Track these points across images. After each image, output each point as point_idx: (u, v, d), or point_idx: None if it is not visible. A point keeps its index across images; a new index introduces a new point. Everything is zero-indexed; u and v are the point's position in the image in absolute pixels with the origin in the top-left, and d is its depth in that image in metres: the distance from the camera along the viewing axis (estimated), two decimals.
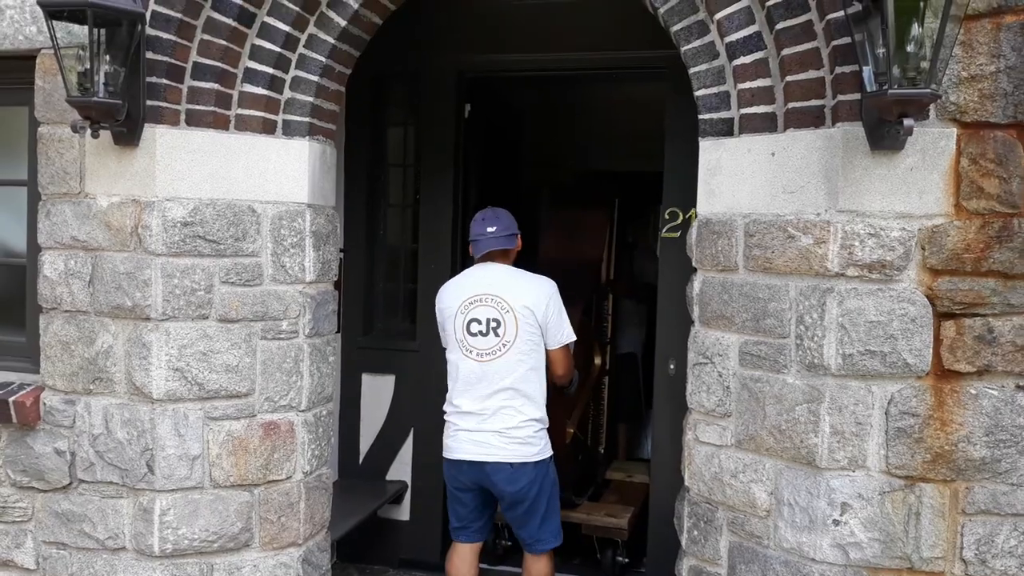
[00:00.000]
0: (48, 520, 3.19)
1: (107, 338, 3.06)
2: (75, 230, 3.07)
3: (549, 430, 3.28)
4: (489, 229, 3.25)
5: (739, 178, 2.75)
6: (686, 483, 2.97)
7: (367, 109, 4.43)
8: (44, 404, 3.15)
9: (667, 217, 4.00)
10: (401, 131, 4.62)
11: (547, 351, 3.23)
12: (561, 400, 3.85)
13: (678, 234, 3.87)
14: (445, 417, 3.29)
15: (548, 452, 3.25)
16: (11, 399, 3.13)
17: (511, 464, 3.14)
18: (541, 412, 3.21)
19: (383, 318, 4.62)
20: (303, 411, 3.24)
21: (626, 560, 4.27)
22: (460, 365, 3.21)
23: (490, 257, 3.27)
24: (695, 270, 2.94)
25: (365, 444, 4.49)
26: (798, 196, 2.59)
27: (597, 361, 4.78)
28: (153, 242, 2.98)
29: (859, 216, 2.47)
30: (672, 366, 3.94)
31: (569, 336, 3.26)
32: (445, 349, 3.33)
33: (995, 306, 2.44)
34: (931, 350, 2.47)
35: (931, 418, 2.48)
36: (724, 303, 2.79)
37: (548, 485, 3.26)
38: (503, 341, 3.14)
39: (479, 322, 3.17)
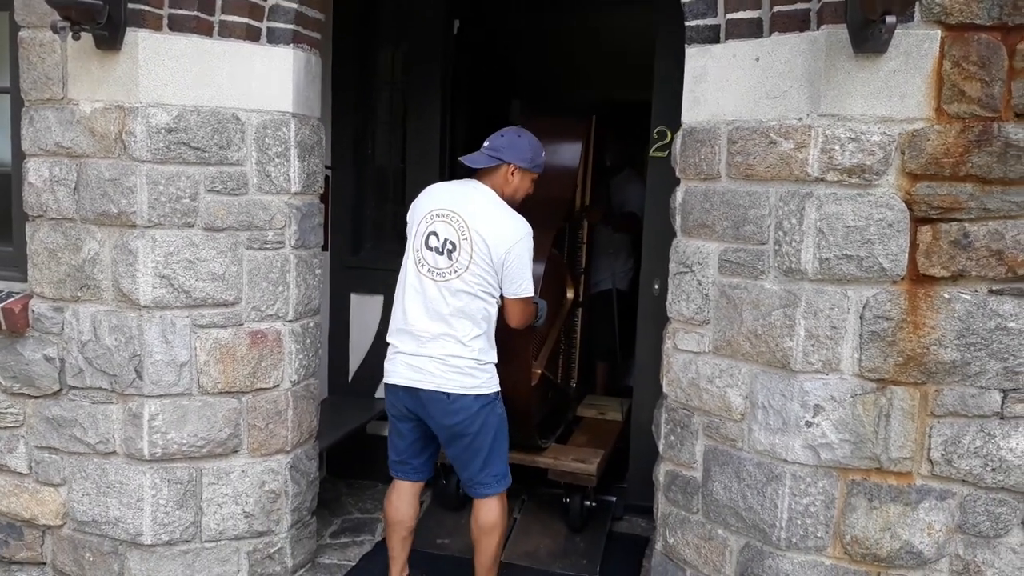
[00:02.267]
0: (39, 425, 3.24)
1: (93, 245, 3.07)
2: (59, 136, 3.06)
3: (516, 370, 3.04)
4: (485, 144, 3.02)
5: (723, 85, 2.74)
6: (664, 390, 3.01)
7: (355, 26, 4.38)
8: (32, 311, 3.18)
9: (655, 136, 3.99)
10: (390, 49, 4.57)
11: (503, 297, 3.00)
12: (528, 338, 3.51)
13: (666, 154, 3.85)
14: (388, 338, 3.08)
15: (493, 387, 2.99)
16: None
17: (447, 394, 2.91)
18: (485, 345, 2.96)
19: (371, 239, 4.63)
20: (290, 321, 3.27)
21: (593, 505, 4.02)
22: (409, 275, 2.99)
23: (476, 174, 3.05)
24: (679, 181, 2.95)
25: (354, 363, 4.55)
26: (781, 101, 2.58)
27: (569, 294, 4.47)
28: (138, 148, 2.97)
29: (840, 120, 2.47)
30: (656, 286, 3.97)
31: (527, 291, 2.99)
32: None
33: (971, 211, 2.45)
34: (907, 255, 2.49)
35: (904, 322, 2.51)
36: (705, 212, 2.80)
37: (493, 424, 3.00)
38: (454, 267, 2.90)
39: (437, 237, 2.94)
